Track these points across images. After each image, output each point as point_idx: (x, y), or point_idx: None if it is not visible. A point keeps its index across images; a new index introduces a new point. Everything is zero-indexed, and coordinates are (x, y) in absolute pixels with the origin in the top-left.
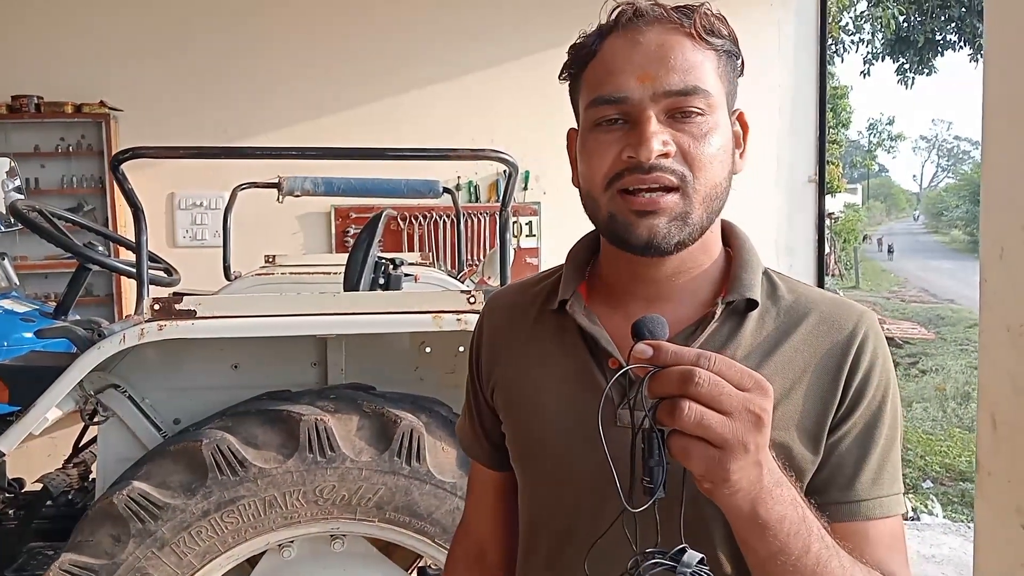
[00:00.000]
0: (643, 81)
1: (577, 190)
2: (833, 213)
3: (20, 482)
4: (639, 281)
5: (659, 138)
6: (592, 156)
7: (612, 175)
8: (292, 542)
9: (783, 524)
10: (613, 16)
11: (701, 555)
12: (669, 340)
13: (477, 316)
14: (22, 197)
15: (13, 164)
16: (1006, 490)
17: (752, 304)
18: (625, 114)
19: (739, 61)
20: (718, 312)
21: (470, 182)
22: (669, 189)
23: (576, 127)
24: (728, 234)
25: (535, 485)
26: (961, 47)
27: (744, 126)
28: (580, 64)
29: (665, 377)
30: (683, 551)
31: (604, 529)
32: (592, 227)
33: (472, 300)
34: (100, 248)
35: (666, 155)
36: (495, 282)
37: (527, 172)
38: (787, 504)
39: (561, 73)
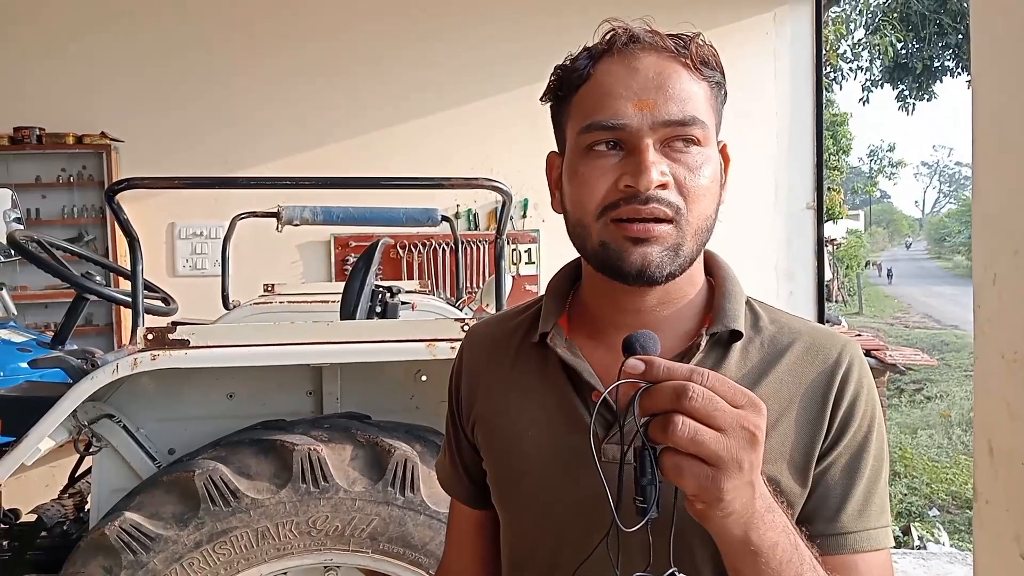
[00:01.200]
0: (642, 109)
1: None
2: (835, 239)
3: (16, 512)
4: (623, 312)
5: (658, 168)
6: (585, 183)
7: (607, 204)
8: (286, 574)
9: (775, 551)
10: (606, 39)
11: None
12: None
13: None
14: (22, 228)
15: (14, 196)
16: (1004, 519)
17: (736, 335)
18: (621, 141)
19: (724, 92)
20: (703, 343)
21: (469, 210)
22: (662, 220)
23: (556, 150)
24: (710, 264)
25: (518, 522)
26: (959, 73)
27: (726, 158)
28: (570, 87)
29: (658, 392)
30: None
31: (588, 556)
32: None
33: (467, 328)
34: (98, 278)
35: (663, 186)
36: (492, 310)
37: (526, 200)
38: (779, 531)
39: (545, 95)
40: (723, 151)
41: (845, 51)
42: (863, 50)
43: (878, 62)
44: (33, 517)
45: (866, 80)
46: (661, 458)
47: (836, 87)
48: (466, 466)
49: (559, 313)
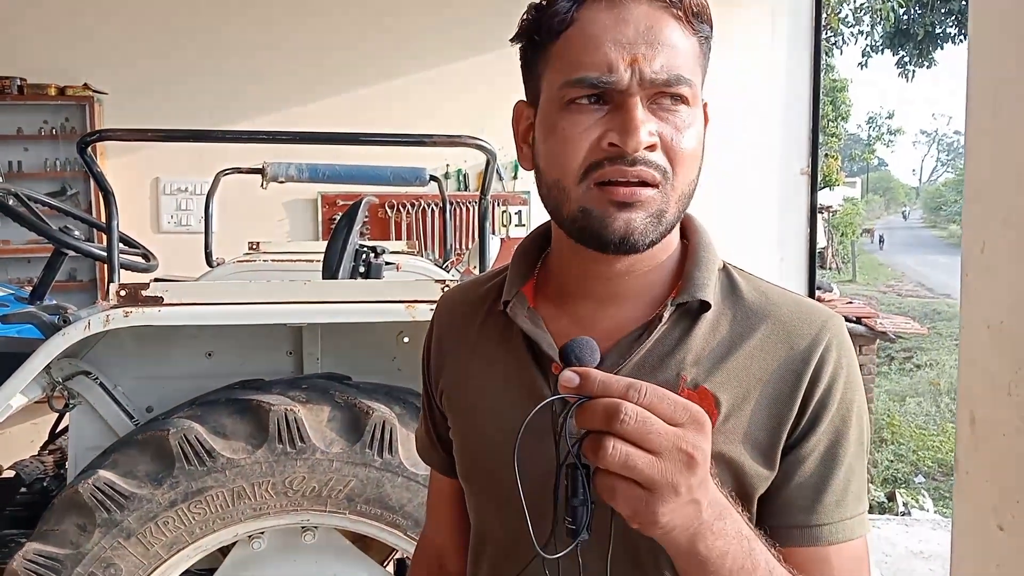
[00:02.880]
0: (632, 64)
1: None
2: (831, 206)
3: None
4: (590, 279)
5: (647, 128)
6: (566, 140)
7: (590, 164)
8: (262, 533)
9: (725, 559)
10: None
11: None
12: (618, 342)
13: None
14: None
15: None
16: (984, 490)
17: (706, 306)
18: (606, 96)
19: (710, 47)
20: (666, 315)
21: (459, 170)
22: (648, 184)
23: (525, 100)
24: (686, 227)
25: (478, 496)
26: (961, 40)
27: (706, 118)
28: (549, 31)
29: (590, 410)
30: None
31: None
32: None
33: (445, 290)
34: (77, 232)
35: (651, 147)
36: (478, 272)
37: (516, 161)
38: (730, 538)
39: (517, 37)
40: (705, 110)
41: (846, 15)
42: (864, 14)
43: (879, 27)
44: (12, 473)
45: (866, 45)
46: (595, 478)
47: (836, 51)
48: (439, 436)
49: (524, 280)
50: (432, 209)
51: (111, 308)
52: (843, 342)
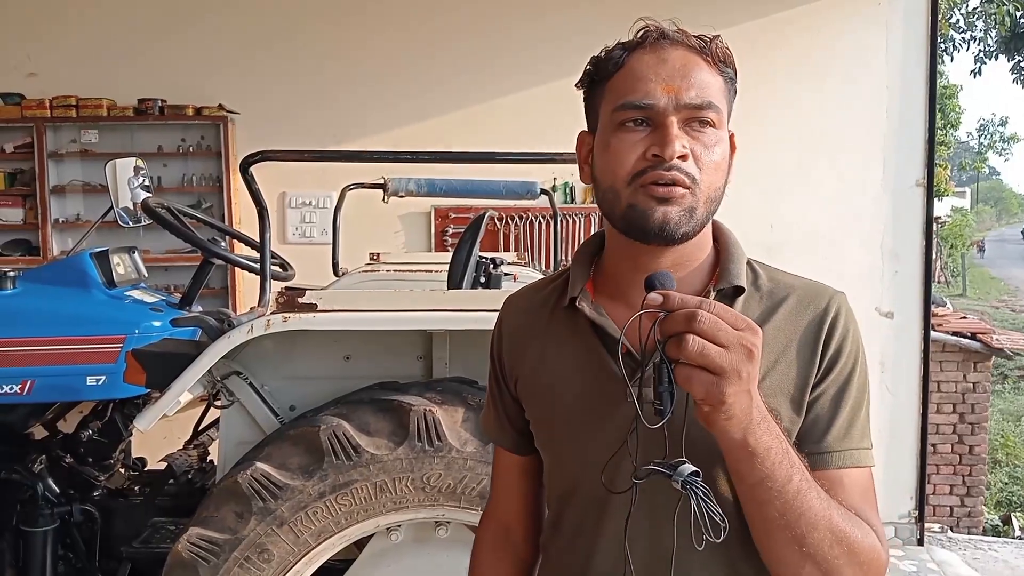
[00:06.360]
0: (668, 92)
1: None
2: (939, 217)
3: (143, 461)
4: (641, 272)
5: (680, 141)
6: (617, 154)
7: (637, 171)
8: (399, 526)
9: (769, 454)
10: (639, 35)
11: (695, 468)
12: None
13: None
14: (151, 195)
15: (140, 163)
16: None
17: (739, 290)
18: (649, 118)
19: (735, 90)
20: (711, 298)
21: (566, 183)
22: (681, 186)
23: (586, 130)
24: (716, 232)
25: (560, 461)
26: None
27: (733, 146)
28: (605, 73)
29: (673, 318)
30: (682, 463)
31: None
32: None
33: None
34: (222, 243)
35: (683, 157)
36: None
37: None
38: (773, 437)
39: (581, 81)
40: (731, 139)
41: (958, 20)
42: (977, 19)
43: (993, 32)
44: (160, 466)
45: (979, 51)
46: (675, 370)
47: (946, 57)
48: (510, 418)
49: (585, 279)
50: (540, 221)
51: (271, 314)
52: (849, 310)
